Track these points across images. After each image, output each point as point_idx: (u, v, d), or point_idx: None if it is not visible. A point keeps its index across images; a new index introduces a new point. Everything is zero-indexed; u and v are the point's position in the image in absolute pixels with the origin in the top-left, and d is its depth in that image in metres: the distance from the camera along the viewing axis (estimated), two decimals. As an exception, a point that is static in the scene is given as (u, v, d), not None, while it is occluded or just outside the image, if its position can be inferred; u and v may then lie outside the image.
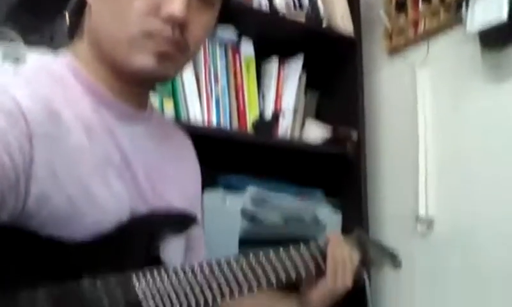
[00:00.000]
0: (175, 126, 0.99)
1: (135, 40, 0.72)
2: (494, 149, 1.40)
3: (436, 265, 1.50)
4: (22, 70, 0.76)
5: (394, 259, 1.12)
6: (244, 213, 1.38)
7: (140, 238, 0.75)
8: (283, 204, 1.50)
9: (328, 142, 1.67)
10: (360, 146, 1.65)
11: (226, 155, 1.53)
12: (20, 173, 0.61)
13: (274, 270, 0.84)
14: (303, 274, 0.89)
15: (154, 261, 0.74)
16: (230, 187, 1.41)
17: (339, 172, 1.70)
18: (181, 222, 0.83)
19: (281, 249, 0.88)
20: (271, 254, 0.86)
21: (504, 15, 1.29)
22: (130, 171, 0.77)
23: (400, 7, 1.69)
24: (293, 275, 0.87)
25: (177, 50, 0.75)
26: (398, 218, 1.64)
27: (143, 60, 0.73)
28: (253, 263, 0.82)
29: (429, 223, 1.52)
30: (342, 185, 1.69)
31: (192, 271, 0.74)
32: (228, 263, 0.79)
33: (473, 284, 1.39)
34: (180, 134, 0.98)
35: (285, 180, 1.61)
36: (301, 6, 1.70)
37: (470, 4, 1.39)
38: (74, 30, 0.82)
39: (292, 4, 1.69)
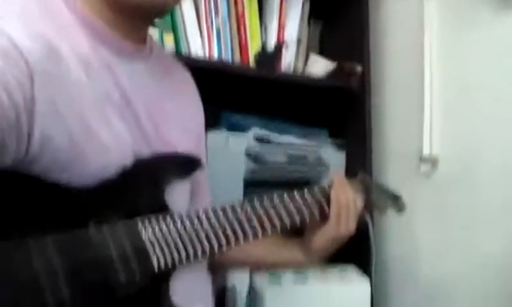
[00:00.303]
0: (175, 60, 0.96)
1: None
2: (502, 84, 1.36)
3: (439, 205, 1.50)
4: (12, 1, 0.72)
5: (398, 203, 1.12)
6: (248, 153, 1.37)
7: (145, 183, 0.75)
8: (287, 144, 1.49)
9: (332, 76, 1.63)
10: (364, 80, 1.61)
11: (229, 91, 1.50)
12: (21, 112, 0.59)
13: (279, 215, 0.85)
14: (307, 218, 0.90)
15: (159, 205, 0.74)
16: (233, 127, 1.40)
17: (343, 108, 1.68)
18: (186, 165, 0.83)
19: (285, 193, 0.88)
20: (275, 199, 0.86)
21: None
22: (130, 109, 0.75)
23: None
24: (297, 219, 0.88)
25: None
26: (402, 157, 1.62)
27: None
28: (258, 209, 0.83)
29: (433, 162, 1.51)
30: (346, 122, 1.67)
31: (198, 217, 0.75)
32: (233, 209, 0.80)
33: (477, 223, 1.40)
34: (180, 69, 0.96)
35: (289, 119, 1.59)
36: None
37: None
38: None
39: None
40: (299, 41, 1.64)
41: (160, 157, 0.77)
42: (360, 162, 1.57)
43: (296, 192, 0.90)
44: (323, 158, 1.53)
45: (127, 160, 0.72)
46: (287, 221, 0.86)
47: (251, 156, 1.37)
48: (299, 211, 0.88)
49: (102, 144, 0.69)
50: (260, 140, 1.42)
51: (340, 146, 1.62)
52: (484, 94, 1.40)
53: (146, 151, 0.75)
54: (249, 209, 0.81)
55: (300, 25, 1.65)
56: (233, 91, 1.52)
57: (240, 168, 1.35)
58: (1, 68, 0.58)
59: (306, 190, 0.91)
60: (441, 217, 1.50)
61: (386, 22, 1.72)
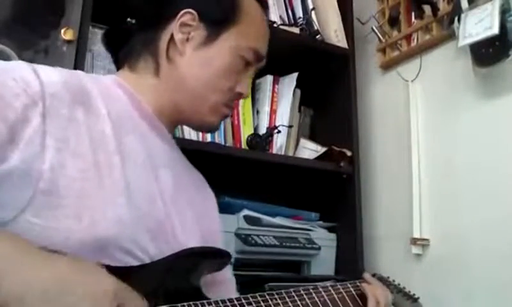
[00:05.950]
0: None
1: (217, 107, 0.90)
2: (486, 165, 1.39)
3: (431, 287, 1.48)
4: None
5: (416, 304, 1.11)
6: (238, 234, 1.37)
7: (182, 273, 0.77)
8: (278, 226, 1.49)
9: (322, 160, 1.66)
10: (353, 164, 1.64)
11: (221, 175, 1.51)
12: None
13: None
14: None
15: (196, 294, 0.76)
16: (224, 209, 1.39)
17: (333, 191, 1.69)
18: (218, 259, 0.86)
19: (311, 287, 0.88)
20: (312, 291, 0.87)
21: (495, 30, 1.29)
22: (155, 174, 0.82)
23: (394, 22, 1.70)
24: None
25: None
26: (392, 239, 1.62)
27: (214, 120, 0.92)
28: (289, 303, 0.82)
29: (424, 245, 1.51)
30: (336, 205, 1.68)
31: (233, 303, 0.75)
32: (264, 299, 0.79)
33: (469, 304, 1.38)
34: (194, 168, 1.04)
35: (280, 201, 1.60)
36: (295, 21, 1.71)
37: (462, 18, 1.39)
38: (125, 60, 0.91)
39: (286, 19, 1.69)
40: (290, 126, 1.69)
41: (196, 251, 0.81)
42: (351, 244, 1.56)
43: (329, 285, 0.91)
44: (314, 240, 1.52)
45: (139, 206, 0.75)
46: None
47: (241, 237, 1.36)
48: (334, 304, 0.89)
49: (111, 184, 0.72)
50: (250, 221, 1.42)
51: (330, 228, 1.62)
52: (470, 172, 1.43)
53: (159, 204, 0.80)
54: (280, 302, 0.81)
55: (291, 112, 1.70)
56: (225, 176, 1.53)
57: (229, 249, 1.32)
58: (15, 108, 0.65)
59: (338, 284, 0.93)
60: (434, 298, 1.45)
61: (373, 104, 1.79)
